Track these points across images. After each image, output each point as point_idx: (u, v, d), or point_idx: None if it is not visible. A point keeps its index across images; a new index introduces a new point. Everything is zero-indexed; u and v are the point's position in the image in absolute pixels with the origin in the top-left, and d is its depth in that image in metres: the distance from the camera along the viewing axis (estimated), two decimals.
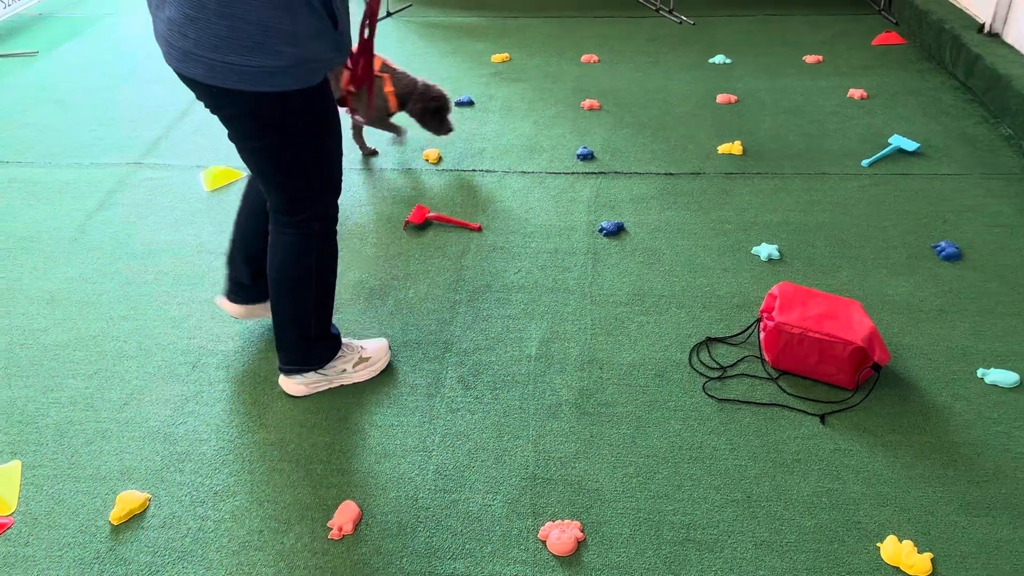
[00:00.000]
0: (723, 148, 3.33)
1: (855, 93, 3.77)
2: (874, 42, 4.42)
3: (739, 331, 2.33)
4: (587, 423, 2.05)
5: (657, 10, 5.00)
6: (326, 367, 2.13)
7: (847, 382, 2.10)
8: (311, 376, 2.13)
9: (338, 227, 2.04)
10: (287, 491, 1.89)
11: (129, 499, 1.85)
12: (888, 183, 3.06)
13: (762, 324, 2.26)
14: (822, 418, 2.05)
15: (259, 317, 2.33)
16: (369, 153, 3.36)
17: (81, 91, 4.02)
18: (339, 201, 2.01)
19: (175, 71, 1.70)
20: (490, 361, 2.26)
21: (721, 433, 2.02)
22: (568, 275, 2.60)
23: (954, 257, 2.61)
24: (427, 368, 2.24)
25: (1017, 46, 3.73)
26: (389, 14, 4.85)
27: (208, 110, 1.80)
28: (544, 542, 1.75)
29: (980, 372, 2.16)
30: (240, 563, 1.73)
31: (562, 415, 2.08)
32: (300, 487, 1.90)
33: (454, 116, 3.30)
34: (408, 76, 3.11)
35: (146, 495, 1.88)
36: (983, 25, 3.92)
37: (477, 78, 4.07)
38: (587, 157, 3.30)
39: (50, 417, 2.10)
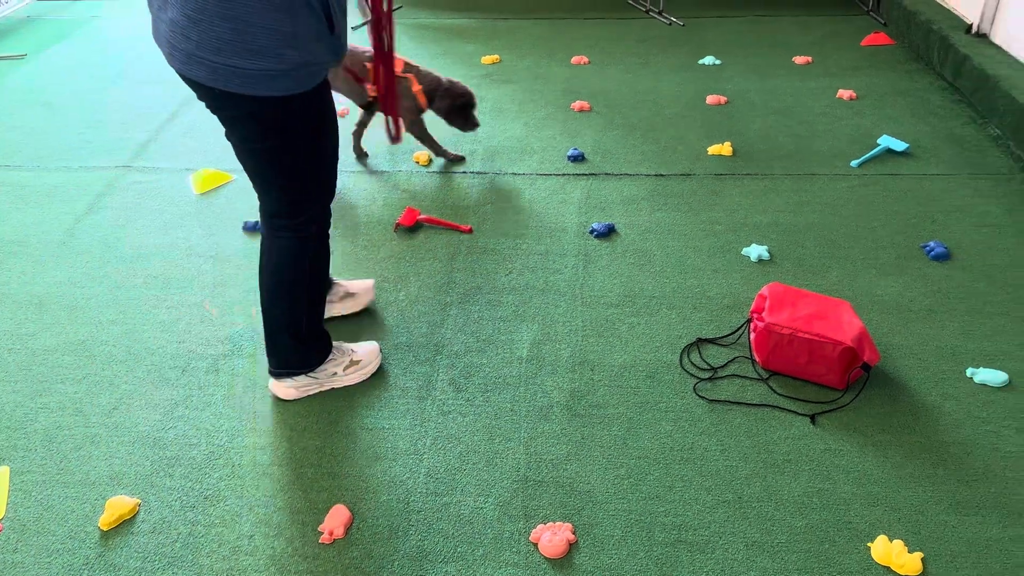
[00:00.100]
0: (713, 149, 3.33)
1: (844, 94, 3.79)
2: (863, 43, 4.44)
3: (729, 332, 2.34)
4: (578, 425, 2.06)
5: (647, 11, 5.01)
6: (317, 370, 2.13)
7: (837, 382, 2.11)
8: (302, 379, 2.12)
9: (329, 230, 2.04)
10: (278, 495, 1.89)
11: (118, 504, 1.84)
12: (877, 183, 3.07)
13: (752, 325, 2.27)
14: (812, 418, 2.05)
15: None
16: (362, 155, 3.36)
17: (69, 94, 4.01)
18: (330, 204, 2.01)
19: (177, 73, 1.70)
20: (481, 363, 2.26)
21: (712, 434, 2.02)
22: (559, 277, 2.60)
23: (943, 257, 2.62)
24: (418, 371, 2.24)
25: (1004, 46, 3.75)
26: (366, 22, 4.84)
27: (209, 110, 1.80)
28: (536, 544, 1.75)
29: (969, 371, 2.17)
30: (230, 568, 1.72)
31: (553, 417, 2.08)
32: (291, 491, 1.90)
33: None
34: (432, 74, 3.13)
35: (136, 500, 1.87)
36: (971, 26, 3.94)
37: (467, 80, 4.03)
38: (577, 158, 3.30)
39: (39, 422, 2.09)
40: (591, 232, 2.82)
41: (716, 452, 1.97)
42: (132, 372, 2.25)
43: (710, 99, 3.78)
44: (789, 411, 2.08)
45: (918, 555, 1.70)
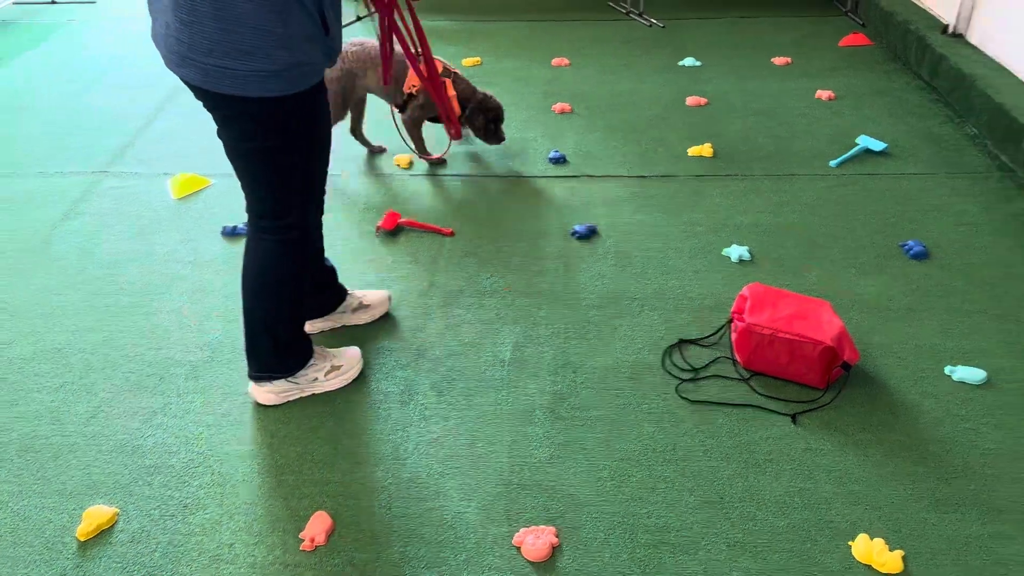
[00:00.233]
0: (693, 151, 3.34)
1: (823, 94, 3.81)
2: (841, 43, 4.47)
3: (711, 333, 2.34)
4: (561, 427, 2.05)
5: (627, 13, 5.02)
6: (297, 375, 2.11)
7: (817, 382, 2.12)
8: (282, 384, 2.10)
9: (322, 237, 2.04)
10: (258, 503, 1.87)
11: (96, 514, 1.82)
12: (856, 183, 3.09)
13: (733, 325, 2.27)
14: (793, 418, 2.06)
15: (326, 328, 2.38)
16: (376, 151, 3.38)
17: (45, 98, 3.96)
18: None
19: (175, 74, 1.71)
20: (464, 367, 2.25)
21: (694, 435, 2.02)
22: (541, 279, 2.60)
23: (921, 256, 2.64)
24: (400, 375, 2.23)
25: (980, 46, 3.79)
26: (359, 18, 4.83)
27: (205, 109, 1.79)
28: (519, 548, 1.75)
29: (948, 369, 2.19)
30: None
31: (536, 420, 2.08)
32: (272, 498, 1.88)
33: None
34: (468, 83, 3.17)
35: (114, 510, 1.84)
36: (947, 26, 3.98)
37: None
38: (559, 160, 3.30)
39: (14, 432, 2.06)
40: (573, 234, 2.82)
41: (699, 453, 1.97)
42: (110, 380, 2.22)
43: (690, 100, 3.79)
44: (770, 411, 2.08)
45: (899, 553, 1.70)
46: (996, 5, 3.71)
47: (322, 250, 2.21)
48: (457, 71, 3.16)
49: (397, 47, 2.25)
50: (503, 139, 3.28)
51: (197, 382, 2.21)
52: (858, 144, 3.33)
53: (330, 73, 3.05)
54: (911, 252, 2.65)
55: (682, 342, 2.32)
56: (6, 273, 2.67)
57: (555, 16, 5.02)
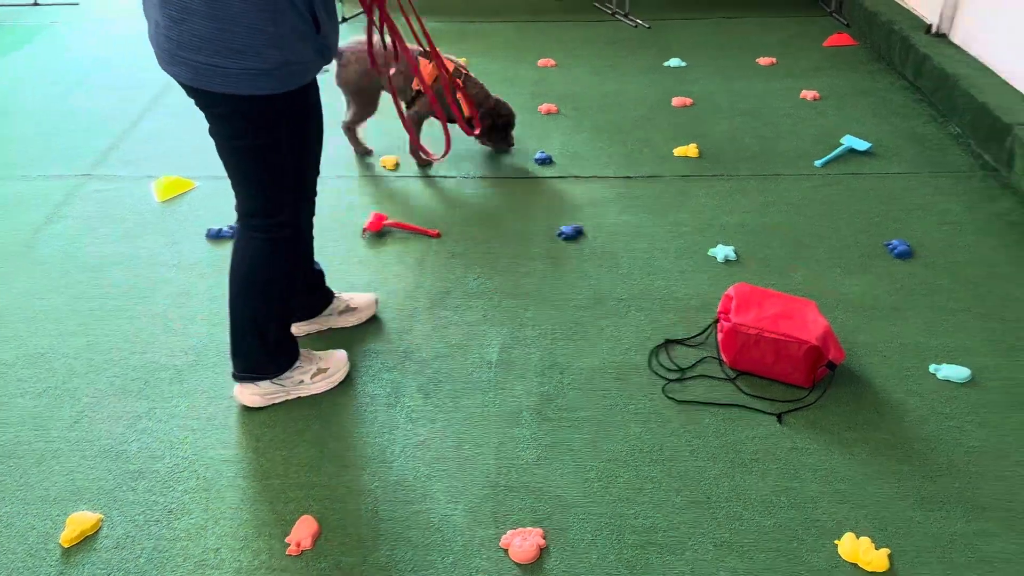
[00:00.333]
0: (679, 151, 3.35)
1: (808, 94, 3.83)
2: (826, 44, 4.50)
3: (697, 332, 2.35)
4: (548, 429, 2.05)
5: (613, 14, 5.03)
6: (283, 377, 2.10)
7: (803, 381, 2.13)
8: (267, 387, 2.09)
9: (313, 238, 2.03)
10: (244, 507, 1.86)
11: (80, 520, 1.80)
12: (841, 183, 3.11)
13: (719, 325, 2.28)
14: (779, 417, 2.07)
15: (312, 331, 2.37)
16: (364, 152, 3.37)
17: (27, 101, 3.93)
18: None
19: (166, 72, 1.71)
20: (450, 369, 2.25)
21: (681, 435, 2.02)
22: (527, 280, 2.60)
23: (906, 255, 2.66)
24: (386, 378, 2.22)
25: (963, 46, 3.82)
26: (345, 19, 4.82)
27: (197, 107, 1.79)
28: (506, 551, 1.74)
29: (932, 368, 2.20)
30: None
31: (523, 421, 2.07)
32: (257, 503, 1.87)
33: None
34: (482, 87, 3.18)
35: (98, 516, 1.83)
36: (930, 26, 4.00)
37: None
38: (545, 161, 3.30)
39: None
40: (559, 235, 2.82)
41: (685, 453, 1.98)
42: (93, 384, 2.21)
43: (676, 101, 3.80)
44: (756, 411, 2.09)
45: (885, 551, 1.71)
46: (979, 5, 3.74)
47: (312, 251, 2.20)
48: (470, 73, 3.17)
49: (411, 47, 2.26)
50: (511, 145, 3.31)
51: (182, 386, 2.20)
52: (842, 144, 3.34)
53: (353, 73, 3.08)
54: (895, 251, 2.67)
55: (668, 342, 2.32)
56: None
57: (542, 17, 5.02)
